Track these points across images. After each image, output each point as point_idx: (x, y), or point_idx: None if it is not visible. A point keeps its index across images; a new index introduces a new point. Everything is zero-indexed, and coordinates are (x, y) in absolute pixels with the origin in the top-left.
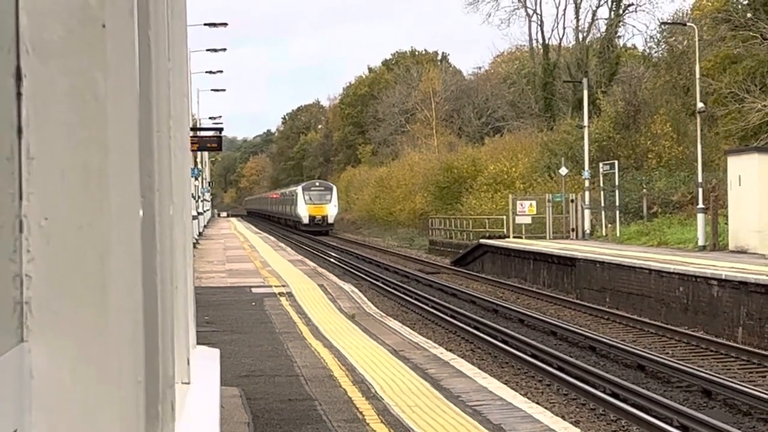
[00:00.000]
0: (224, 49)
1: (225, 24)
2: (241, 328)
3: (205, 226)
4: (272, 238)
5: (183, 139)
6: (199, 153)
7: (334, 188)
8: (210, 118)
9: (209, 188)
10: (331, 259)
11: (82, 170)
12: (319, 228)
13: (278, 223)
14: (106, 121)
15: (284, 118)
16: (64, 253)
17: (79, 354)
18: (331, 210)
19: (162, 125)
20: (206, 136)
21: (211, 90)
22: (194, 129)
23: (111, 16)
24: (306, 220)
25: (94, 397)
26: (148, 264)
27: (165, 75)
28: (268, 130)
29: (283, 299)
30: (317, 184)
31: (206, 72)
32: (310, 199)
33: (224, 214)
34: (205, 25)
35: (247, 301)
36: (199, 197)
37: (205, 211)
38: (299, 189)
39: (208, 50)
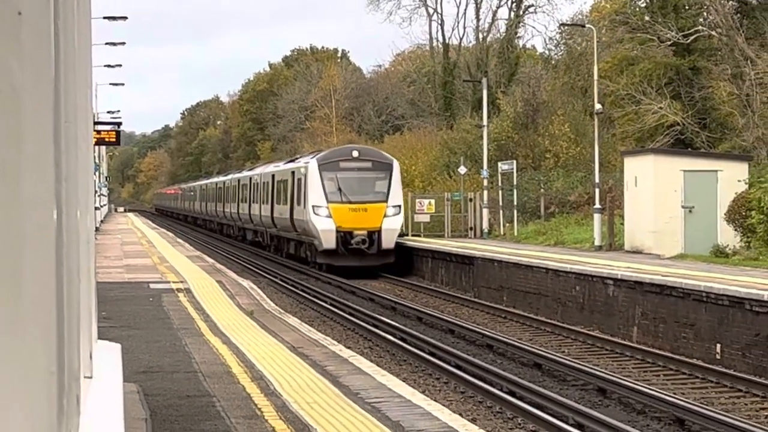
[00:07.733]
0: (123, 43)
1: (125, 18)
2: (138, 324)
3: (102, 221)
4: (170, 234)
5: (87, 131)
6: (96, 147)
7: (395, 164)
8: (108, 112)
9: (106, 183)
10: (230, 257)
11: None
12: (360, 261)
13: (228, 237)
14: (21, 111)
15: (183, 114)
16: None
17: None
18: (391, 218)
19: (69, 116)
20: (104, 131)
21: (110, 84)
22: (93, 123)
23: (28, 3)
24: (329, 241)
25: (5, 389)
26: (56, 256)
27: (72, 65)
28: (167, 125)
29: (181, 295)
30: (355, 154)
31: (105, 66)
32: (339, 189)
33: (122, 209)
34: (104, 18)
35: (145, 297)
36: (96, 192)
37: (102, 206)
38: (312, 164)
39: (107, 44)
